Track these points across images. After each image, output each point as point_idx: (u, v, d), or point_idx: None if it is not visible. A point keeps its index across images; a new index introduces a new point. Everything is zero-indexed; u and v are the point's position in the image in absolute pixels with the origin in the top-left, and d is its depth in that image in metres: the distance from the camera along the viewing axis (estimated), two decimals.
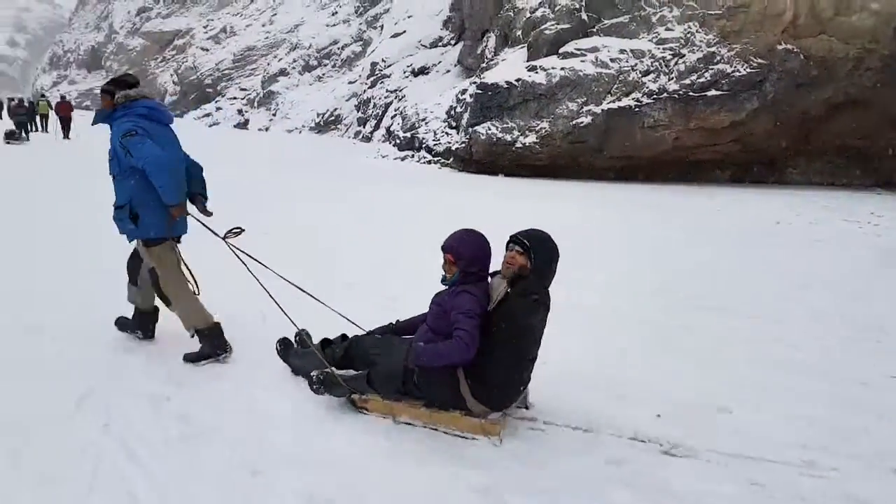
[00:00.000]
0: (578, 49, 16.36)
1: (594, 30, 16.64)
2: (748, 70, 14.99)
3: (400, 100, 29.97)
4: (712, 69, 15.24)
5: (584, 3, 16.78)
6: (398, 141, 20.84)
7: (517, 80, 16.48)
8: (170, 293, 3.60)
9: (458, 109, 18.61)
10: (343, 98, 36.59)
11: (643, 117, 15.72)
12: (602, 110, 16.01)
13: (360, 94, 35.09)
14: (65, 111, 26.73)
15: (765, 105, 15.05)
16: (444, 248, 3.01)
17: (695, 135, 15.81)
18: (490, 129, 16.79)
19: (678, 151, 16.17)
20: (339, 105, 36.56)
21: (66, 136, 25.96)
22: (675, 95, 15.48)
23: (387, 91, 31.80)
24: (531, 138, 16.40)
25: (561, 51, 16.71)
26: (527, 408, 3.16)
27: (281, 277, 3.70)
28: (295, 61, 43.61)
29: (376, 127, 31.43)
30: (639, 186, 15.64)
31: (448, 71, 27.36)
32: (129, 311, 3.87)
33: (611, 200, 12.88)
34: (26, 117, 25.91)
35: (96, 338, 3.79)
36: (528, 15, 19.89)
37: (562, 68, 16.11)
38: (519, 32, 20.06)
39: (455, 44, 32.38)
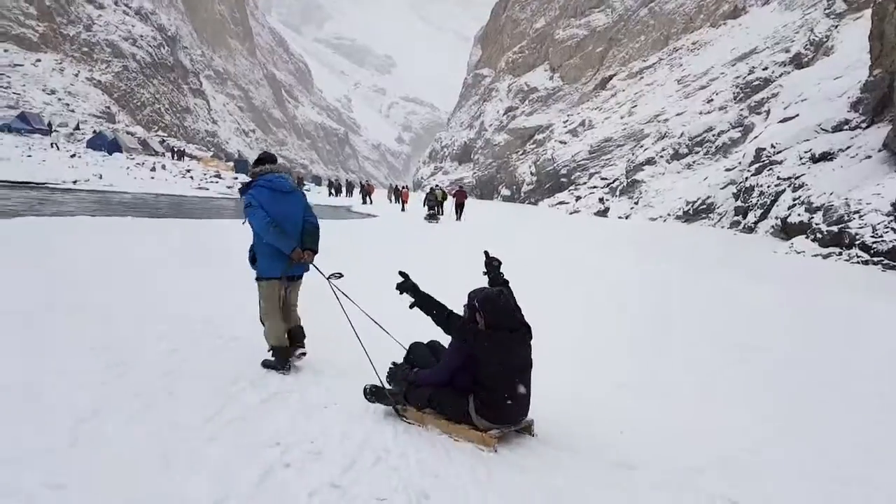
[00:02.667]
0: None
1: None
2: None
3: (797, 189, 26.94)
4: None
5: None
6: (820, 235, 18.19)
7: None
8: (264, 317, 4.80)
9: None
10: (717, 186, 34.62)
11: None
12: None
13: (741, 181, 32.75)
14: (460, 198, 30.89)
15: None
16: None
17: None
18: None
19: None
20: (713, 193, 34.65)
21: (458, 217, 29.93)
22: None
23: (778, 178, 28.99)
24: None
25: None
26: (532, 434, 3.92)
27: (364, 313, 4.72)
28: (664, 150, 43.31)
29: (762, 217, 28.73)
30: None
31: (868, 157, 23.60)
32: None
33: None
34: (435, 202, 30.68)
35: None
36: None
37: None
38: None
39: (867, 127, 28.19)
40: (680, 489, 3.30)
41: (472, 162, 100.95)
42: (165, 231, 13.36)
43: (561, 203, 59.91)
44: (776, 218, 27.24)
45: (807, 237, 19.03)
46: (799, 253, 18.32)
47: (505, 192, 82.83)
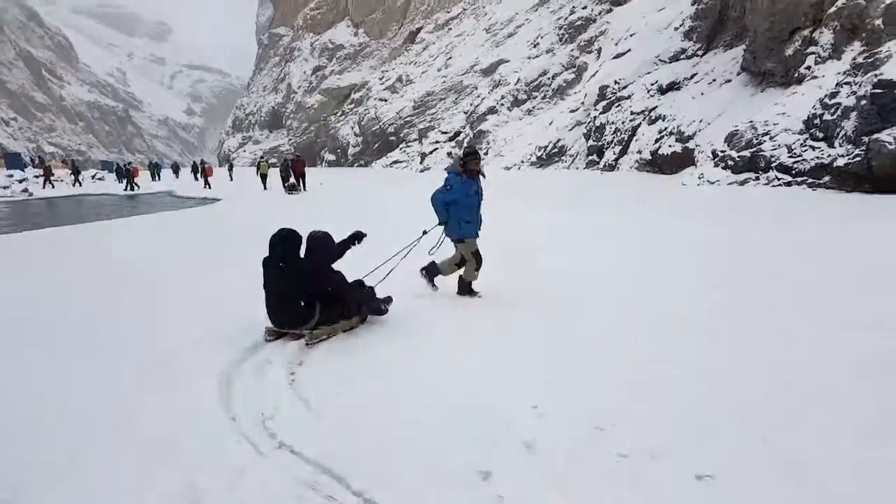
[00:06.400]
0: None
1: None
2: None
3: (654, 121, 27.16)
4: None
5: None
6: (732, 162, 17.78)
7: None
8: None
9: (828, 117, 15.26)
10: (566, 128, 34.41)
11: None
12: None
13: (588, 121, 32.73)
14: (300, 167, 28.03)
15: None
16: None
17: None
18: None
19: None
20: (562, 136, 34.40)
21: (303, 187, 27.38)
22: None
23: (631, 113, 29.14)
24: None
25: None
26: (307, 343, 4.82)
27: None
28: (503, 97, 42.37)
29: (622, 153, 28.78)
30: None
31: (728, 81, 24.09)
32: None
33: None
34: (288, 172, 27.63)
35: None
36: (888, 1, 16.36)
37: None
38: (879, 22, 16.53)
39: (703, 54, 29.21)
40: None
41: (284, 128, 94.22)
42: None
43: (396, 162, 57.41)
44: (638, 153, 27.29)
45: (716, 165, 18.66)
46: (713, 183, 17.81)
47: (329, 156, 78.16)
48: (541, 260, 8.03)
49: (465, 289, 6.25)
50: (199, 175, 35.77)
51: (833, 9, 17.99)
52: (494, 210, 8.68)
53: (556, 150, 34.59)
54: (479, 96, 46.99)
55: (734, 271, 6.83)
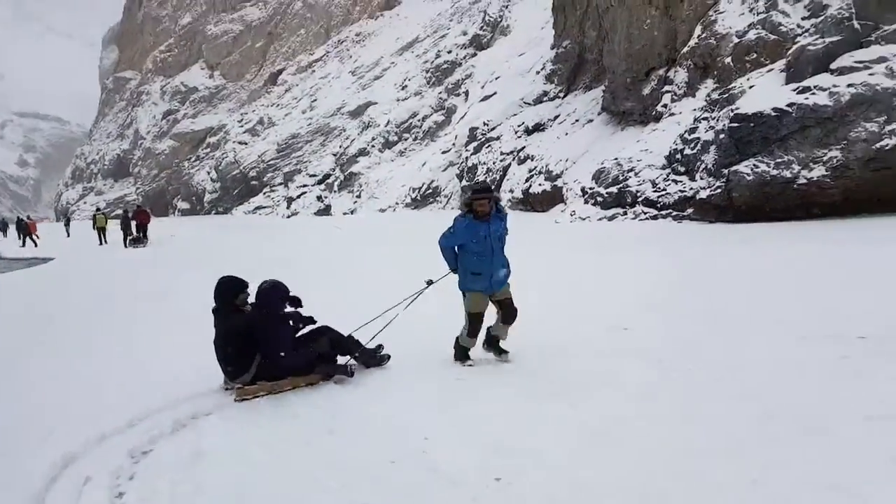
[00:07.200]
0: (859, 62, 13.78)
1: (871, 38, 14.10)
2: None
3: (523, 161, 27.57)
4: None
5: (853, 12, 14.33)
6: (601, 199, 17.99)
7: (790, 106, 13.79)
8: None
9: (689, 151, 15.86)
10: (439, 169, 34.26)
11: None
12: None
13: (461, 161, 32.80)
14: (143, 219, 25.88)
15: None
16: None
17: None
18: (757, 168, 13.98)
19: None
20: (436, 177, 34.20)
21: (145, 236, 25.45)
22: None
23: (501, 153, 29.48)
24: (818, 171, 13.56)
25: (834, 66, 14.13)
26: (235, 399, 4.58)
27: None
28: (374, 139, 41.61)
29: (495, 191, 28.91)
30: None
31: (591, 121, 24.96)
32: None
33: None
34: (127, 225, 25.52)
35: None
36: (736, 40, 17.59)
37: (849, 85, 13.45)
38: (728, 60, 17.68)
39: (564, 96, 30.39)
40: None
41: (132, 176, 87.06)
42: None
43: (260, 208, 54.54)
44: (510, 192, 27.49)
45: (585, 202, 18.88)
46: (584, 219, 17.93)
47: (183, 204, 72.89)
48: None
49: (459, 352, 5.19)
50: (20, 233, 30.14)
51: (686, 49, 19.14)
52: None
53: (431, 190, 34.27)
54: (348, 138, 46.05)
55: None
